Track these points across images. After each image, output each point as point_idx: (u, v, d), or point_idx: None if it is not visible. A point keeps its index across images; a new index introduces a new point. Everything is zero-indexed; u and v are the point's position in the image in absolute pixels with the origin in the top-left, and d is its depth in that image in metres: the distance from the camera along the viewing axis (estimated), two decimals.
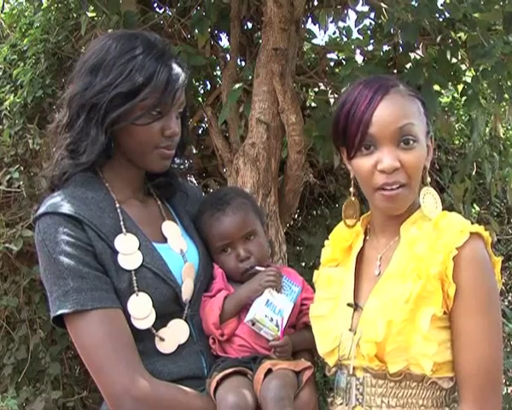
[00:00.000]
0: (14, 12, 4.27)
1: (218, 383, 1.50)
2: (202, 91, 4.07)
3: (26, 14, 4.12)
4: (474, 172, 4.22)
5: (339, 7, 3.81)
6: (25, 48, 3.88)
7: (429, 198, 1.51)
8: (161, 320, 1.53)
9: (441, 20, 3.14)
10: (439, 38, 3.23)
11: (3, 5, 4.59)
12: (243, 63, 3.71)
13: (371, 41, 3.50)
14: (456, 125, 4.39)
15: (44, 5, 3.92)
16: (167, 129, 1.57)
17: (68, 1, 3.81)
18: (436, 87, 3.12)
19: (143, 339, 1.52)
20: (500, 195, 4.61)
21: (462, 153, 4.47)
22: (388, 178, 1.44)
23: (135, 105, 1.51)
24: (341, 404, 1.52)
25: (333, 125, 1.55)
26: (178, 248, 1.63)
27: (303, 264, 4.03)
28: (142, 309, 1.50)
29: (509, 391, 4.52)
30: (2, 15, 4.42)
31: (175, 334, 1.56)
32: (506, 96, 3.36)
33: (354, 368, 1.49)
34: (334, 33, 4.13)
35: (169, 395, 1.49)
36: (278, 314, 1.60)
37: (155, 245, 1.58)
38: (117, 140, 1.59)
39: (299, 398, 1.54)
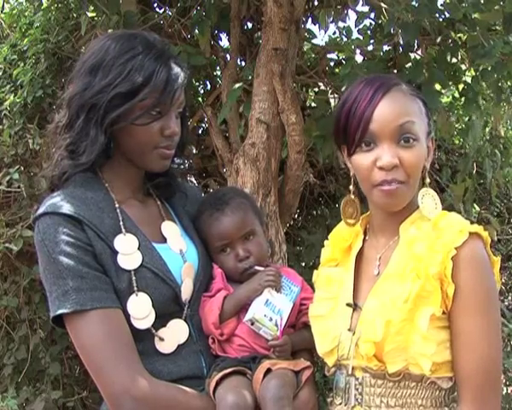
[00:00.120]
0: (14, 12, 4.27)
1: (218, 383, 1.50)
2: (202, 91, 4.07)
3: (26, 14, 4.12)
4: (474, 172, 4.22)
5: (339, 7, 3.81)
6: (25, 48, 3.87)
7: (428, 199, 1.51)
8: (161, 320, 1.53)
9: (441, 20, 3.14)
10: (439, 38, 3.23)
11: (3, 5, 4.59)
12: (243, 63, 3.71)
13: (371, 41, 3.50)
14: (457, 125, 4.39)
15: (44, 5, 3.92)
16: (167, 129, 1.57)
17: (68, 1, 3.81)
18: (437, 86, 3.12)
19: (143, 339, 1.52)
20: (500, 195, 4.61)
21: (462, 153, 4.47)
22: (387, 175, 1.44)
23: (134, 105, 1.51)
24: (340, 404, 1.52)
25: (334, 123, 1.55)
26: (178, 249, 1.63)
27: (303, 264, 4.03)
28: (141, 309, 1.50)
29: (509, 391, 4.52)
30: (2, 15, 4.42)
31: (174, 334, 1.56)
32: (503, 96, 3.36)
33: (353, 368, 1.49)
34: (334, 33, 4.13)
35: (168, 394, 1.49)
36: (277, 314, 1.60)
37: (155, 245, 1.58)
38: (116, 140, 1.59)
39: (298, 398, 1.53)
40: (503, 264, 4.54)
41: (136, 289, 1.50)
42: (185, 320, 1.58)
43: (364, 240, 1.63)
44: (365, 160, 1.47)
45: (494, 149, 4.29)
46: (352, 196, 1.60)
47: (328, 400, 1.60)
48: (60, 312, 1.46)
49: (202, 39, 3.37)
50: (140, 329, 1.51)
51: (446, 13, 3.07)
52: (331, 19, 3.88)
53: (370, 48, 3.50)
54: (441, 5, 3.07)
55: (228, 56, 3.56)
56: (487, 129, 4.47)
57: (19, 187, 3.64)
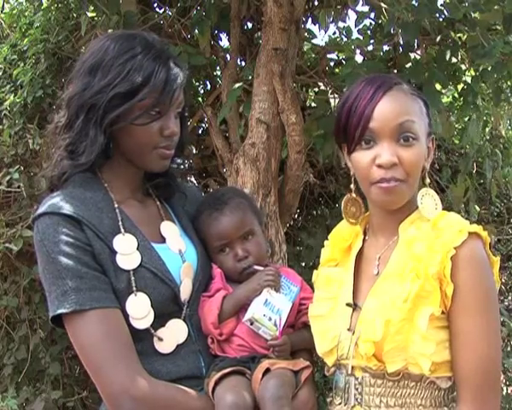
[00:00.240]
0: (14, 12, 4.27)
1: (217, 383, 1.50)
2: (202, 91, 4.06)
3: (26, 14, 4.12)
4: (474, 172, 4.22)
5: (339, 7, 3.81)
6: (25, 48, 3.87)
7: (428, 199, 1.51)
8: (160, 320, 1.53)
9: (441, 19, 3.14)
10: (438, 38, 3.23)
11: (3, 5, 4.59)
12: (243, 63, 3.70)
13: (371, 41, 3.50)
14: (457, 125, 4.38)
15: (44, 5, 3.92)
16: (166, 129, 1.57)
17: (68, 1, 3.81)
18: (437, 86, 3.12)
19: (142, 339, 1.52)
20: (500, 195, 4.60)
21: (462, 153, 4.47)
22: (386, 173, 1.44)
23: (133, 105, 1.51)
24: (340, 404, 1.52)
25: (335, 121, 1.56)
26: (177, 249, 1.63)
27: (303, 264, 4.03)
28: (140, 309, 1.50)
29: (509, 391, 4.52)
30: (2, 15, 4.41)
31: (173, 334, 1.56)
32: (503, 96, 3.36)
33: (353, 368, 1.49)
34: (334, 33, 4.12)
35: (167, 394, 1.49)
36: (277, 314, 1.60)
37: (154, 245, 1.58)
38: (116, 140, 1.59)
39: (297, 397, 1.53)
40: (503, 264, 4.54)
41: (134, 289, 1.50)
42: (184, 320, 1.58)
43: (364, 240, 1.63)
44: (365, 158, 1.47)
45: (494, 149, 4.29)
46: (354, 195, 1.60)
47: (328, 400, 1.60)
48: (59, 312, 1.46)
49: (202, 39, 3.37)
50: (139, 329, 1.50)
51: (446, 13, 3.06)
52: (331, 19, 3.88)
53: (370, 48, 3.51)
54: (441, 5, 3.06)
55: (228, 56, 3.56)
56: (487, 129, 4.46)
57: (19, 187, 3.64)
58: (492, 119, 4.36)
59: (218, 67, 3.81)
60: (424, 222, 1.50)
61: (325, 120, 3.12)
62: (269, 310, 1.59)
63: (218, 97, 3.67)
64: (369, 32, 3.59)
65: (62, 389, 3.88)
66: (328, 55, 3.88)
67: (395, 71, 3.28)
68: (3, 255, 3.70)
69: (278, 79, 2.88)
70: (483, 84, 3.41)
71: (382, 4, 3.21)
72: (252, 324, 1.58)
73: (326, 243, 1.73)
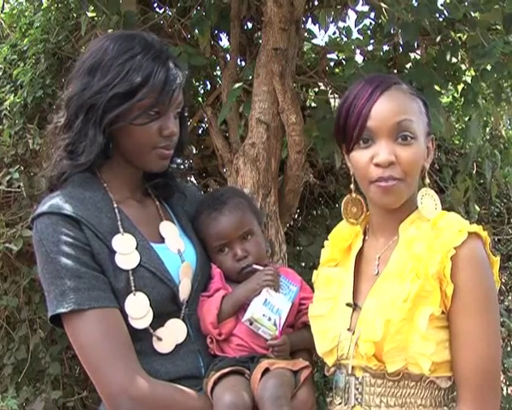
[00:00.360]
0: (14, 12, 4.26)
1: (215, 383, 1.50)
2: (202, 91, 4.06)
3: (26, 14, 4.11)
4: (474, 172, 4.22)
5: (339, 7, 3.81)
6: (25, 48, 3.87)
7: (428, 199, 1.51)
8: (159, 320, 1.53)
9: (441, 19, 3.13)
10: (438, 38, 3.22)
11: (3, 5, 4.59)
12: (243, 63, 3.70)
13: (371, 41, 3.50)
14: (457, 125, 4.38)
15: (44, 5, 3.92)
16: (165, 129, 1.57)
17: (68, 1, 3.81)
18: (436, 87, 3.12)
19: (141, 339, 1.52)
20: (500, 195, 4.60)
21: (462, 153, 4.47)
22: (383, 172, 1.44)
23: (132, 105, 1.51)
24: (340, 404, 1.52)
25: (335, 121, 1.56)
26: (176, 248, 1.63)
27: (303, 264, 4.03)
28: (139, 309, 1.50)
29: (509, 391, 4.52)
30: (2, 15, 4.41)
31: (172, 334, 1.56)
32: (503, 96, 3.35)
33: (353, 368, 1.50)
34: (334, 33, 4.11)
35: (166, 394, 1.49)
36: (276, 314, 1.60)
37: (153, 245, 1.58)
38: (115, 140, 1.59)
39: (296, 397, 1.54)
40: (503, 264, 4.53)
41: (133, 288, 1.50)
42: (183, 320, 1.58)
43: (364, 240, 1.63)
44: (363, 156, 1.48)
45: (494, 149, 4.29)
46: (354, 195, 1.60)
47: (328, 399, 1.60)
48: (58, 311, 1.46)
49: (202, 39, 3.37)
50: (138, 328, 1.50)
51: (446, 13, 3.06)
52: (331, 19, 3.88)
53: (370, 48, 3.50)
54: (441, 5, 3.06)
55: (228, 56, 3.55)
56: (487, 129, 4.46)
57: (19, 187, 3.64)
58: (492, 119, 4.36)
59: (218, 67, 3.80)
60: (424, 222, 1.50)
61: (325, 124, 3.11)
62: (268, 310, 1.59)
63: (218, 97, 3.66)
64: (369, 32, 3.59)
65: (62, 389, 3.88)
66: (328, 55, 3.88)
67: (395, 71, 3.28)
68: (3, 255, 3.70)
69: (278, 79, 2.87)
70: (483, 84, 3.40)
71: (382, 4, 3.21)
72: (251, 324, 1.58)
73: (326, 243, 1.73)
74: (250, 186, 2.95)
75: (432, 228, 1.48)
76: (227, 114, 3.22)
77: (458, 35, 3.29)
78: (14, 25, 4.19)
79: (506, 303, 4.60)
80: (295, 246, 4.14)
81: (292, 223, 4.12)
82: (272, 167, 3.06)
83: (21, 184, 3.61)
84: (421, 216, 1.51)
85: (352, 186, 1.60)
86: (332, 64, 3.89)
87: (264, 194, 3.00)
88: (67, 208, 1.49)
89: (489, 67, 3.00)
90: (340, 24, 3.95)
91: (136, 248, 1.53)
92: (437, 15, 3.07)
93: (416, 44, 3.35)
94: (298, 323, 1.71)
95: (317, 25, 3.89)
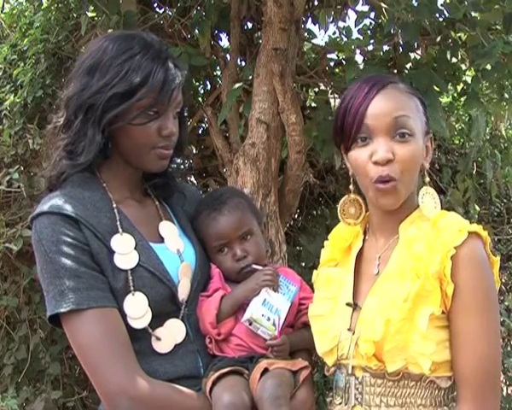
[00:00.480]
0: (14, 12, 4.27)
1: (214, 383, 1.50)
2: (202, 91, 4.06)
3: (26, 14, 4.12)
4: (474, 172, 4.22)
5: (339, 7, 3.81)
6: (25, 48, 3.87)
7: (428, 198, 1.51)
8: (158, 320, 1.53)
9: (441, 20, 3.13)
10: (438, 38, 3.22)
11: (3, 5, 4.59)
12: (243, 63, 3.70)
13: (371, 41, 3.50)
14: (456, 125, 4.38)
15: (44, 5, 3.92)
16: (164, 129, 1.57)
17: (68, 1, 3.81)
18: (436, 88, 3.12)
19: (140, 339, 1.51)
20: (500, 195, 4.60)
21: (462, 153, 4.47)
22: (382, 170, 1.44)
23: (131, 105, 1.51)
24: (340, 404, 1.52)
25: (333, 122, 1.56)
26: (175, 248, 1.63)
27: (303, 264, 4.03)
28: (138, 309, 1.50)
29: (509, 391, 4.51)
30: (2, 15, 4.42)
31: (171, 333, 1.56)
32: (506, 95, 3.35)
33: (353, 368, 1.49)
34: (334, 33, 4.11)
35: (165, 394, 1.48)
36: (275, 314, 1.60)
37: (152, 245, 1.58)
38: (114, 140, 1.59)
39: (295, 397, 1.53)
40: (503, 264, 4.53)
41: (132, 288, 1.50)
42: (182, 320, 1.58)
43: (364, 240, 1.63)
44: (361, 155, 1.48)
45: (494, 149, 4.29)
46: (353, 196, 1.60)
47: (328, 399, 1.60)
48: (56, 311, 1.46)
49: (202, 39, 3.37)
50: (136, 328, 1.50)
51: (446, 13, 3.06)
52: (331, 19, 3.88)
53: (370, 48, 3.50)
54: (441, 5, 3.06)
55: (228, 56, 3.55)
56: (487, 129, 4.46)
57: (19, 187, 3.64)
58: (492, 118, 4.36)
59: (218, 67, 3.81)
60: (424, 221, 1.50)
61: (325, 125, 3.11)
62: (267, 310, 1.59)
63: (218, 97, 3.66)
64: (369, 32, 3.59)
65: (62, 389, 3.88)
66: (328, 55, 3.88)
67: (395, 71, 3.28)
68: (3, 255, 3.70)
69: (278, 79, 2.88)
70: (483, 84, 3.40)
71: (382, 4, 3.21)
72: (250, 324, 1.58)
73: (326, 243, 1.73)
74: (250, 186, 2.95)
75: (432, 228, 1.48)
76: (227, 114, 3.22)
77: (458, 35, 3.29)
78: (14, 25, 4.20)
79: (506, 303, 4.60)
80: (295, 246, 4.15)
81: (292, 223, 4.12)
82: (272, 167, 3.06)
83: (21, 184, 3.62)
84: (421, 215, 1.51)
85: (351, 187, 1.60)
86: (332, 64, 3.89)
87: (264, 194, 3.00)
88: (66, 208, 1.49)
89: (489, 67, 3.00)
90: (340, 24, 3.96)
91: (135, 248, 1.53)
92: (437, 15, 3.07)
93: (416, 44, 3.35)
94: (298, 323, 1.70)
95: (317, 25, 3.89)
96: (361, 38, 3.60)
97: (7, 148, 3.77)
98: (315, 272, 1.72)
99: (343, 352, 1.50)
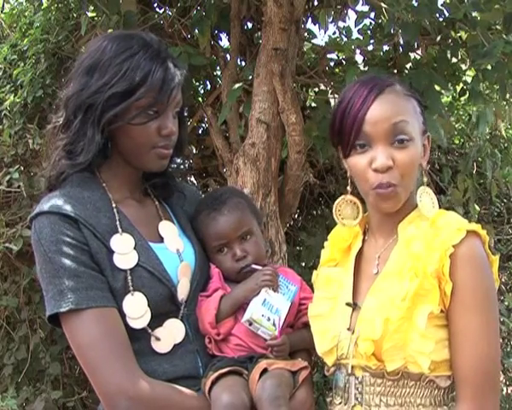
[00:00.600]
0: (14, 12, 4.27)
1: (213, 383, 1.50)
2: (202, 91, 4.06)
3: (26, 14, 4.12)
4: (474, 172, 4.22)
5: (339, 7, 3.81)
6: (25, 48, 3.87)
7: (426, 197, 1.51)
8: (157, 320, 1.53)
9: (441, 19, 3.13)
10: (438, 38, 3.22)
11: (3, 5, 4.59)
12: (243, 63, 3.70)
13: (371, 41, 3.50)
14: (456, 125, 4.38)
15: (44, 5, 3.93)
16: (164, 128, 1.56)
17: (68, 1, 3.81)
18: (436, 87, 3.12)
19: (139, 339, 1.51)
20: (500, 195, 4.60)
21: (462, 153, 4.47)
22: (382, 177, 1.44)
23: (131, 104, 1.51)
24: (340, 403, 1.52)
25: (330, 123, 1.56)
26: (175, 248, 1.62)
27: (303, 264, 4.03)
28: (137, 308, 1.50)
29: (509, 391, 4.51)
30: (2, 15, 4.42)
31: (171, 333, 1.55)
32: (508, 95, 3.35)
33: (353, 367, 1.49)
34: (334, 33, 4.12)
35: (164, 394, 1.48)
36: (275, 314, 1.60)
37: (151, 245, 1.58)
38: (114, 140, 1.59)
39: (294, 398, 1.53)
40: (503, 264, 4.53)
41: (131, 288, 1.50)
42: (181, 320, 1.58)
43: (364, 240, 1.63)
44: (360, 162, 1.48)
45: (494, 149, 4.28)
46: (349, 197, 1.60)
47: (328, 399, 1.60)
48: (56, 311, 1.46)
49: (202, 39, 3.37)
50: (136, 328, 1.50)
51: (446, 12, 3.06)
52: (331, 19, 3.88)
53: (370, 48, 3.50)
54: (441, 5, 3.07)
55: (228, 56, 3.56)
56: (487, 129, 4.45)
57: (19, 187, 3.64)
58: (492, 118, 4.35)
59: (218, 67, 3.81)
60: (423, 221, 1.50)
61: (324, 124, 3.11)
62: (267, 310, 1.59)
63: (218, 97, 3.66)
64: (369, 31, 3.59)
65: (62, 389, 3.88)
66: (328, 55, 3.88)
67: (395, 71, 3.28)
68: (3, 255, 3.70)
69: (278, 79, 2.88)
70: (483, 84, 3.40)
71: (382, 4, 3.21)
72: (250, 324, 1.58)
73: (326, 243, 1.73)
74: (250, 186, 2.95)
75: (430, 227, 1.48)
76: (227, 114, 3.22)
77: (458, 35, 3.29)
78: (14, 25, 4.20)
79: (506, 303, 4.60)
80: (295, 246, 4.15)
81: (292, 223, 4.13)
82: (272, 167, 3.06)
83: (21, 184, 3.61)
84: (419, 215, 1.51)
85: (348, 188, 1.60)
86: (332, 64, 3.90)
87: (264, 194, 3.00)
88: (66, 208, 1.49)
89: (489, 67, 3.00)
90: (340, 24, 3.97)
91: (135, 248, 1.53)
92: (437, 15, 3.07)
93: (416, 44, 3.35)
94: (298, 323, 1.70)
95: (317, 25, 3.90)
96: (361, 38, 3.61)
97: (7, 148, 3.77)
98: (315, 272, 1.72)
99: (343, 352, 1.50)
